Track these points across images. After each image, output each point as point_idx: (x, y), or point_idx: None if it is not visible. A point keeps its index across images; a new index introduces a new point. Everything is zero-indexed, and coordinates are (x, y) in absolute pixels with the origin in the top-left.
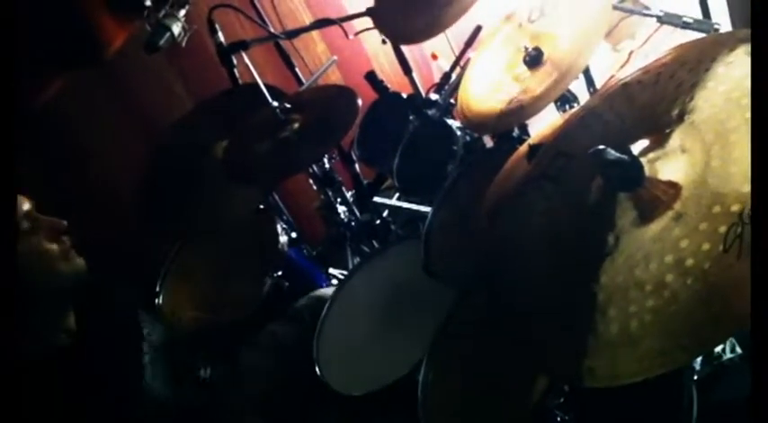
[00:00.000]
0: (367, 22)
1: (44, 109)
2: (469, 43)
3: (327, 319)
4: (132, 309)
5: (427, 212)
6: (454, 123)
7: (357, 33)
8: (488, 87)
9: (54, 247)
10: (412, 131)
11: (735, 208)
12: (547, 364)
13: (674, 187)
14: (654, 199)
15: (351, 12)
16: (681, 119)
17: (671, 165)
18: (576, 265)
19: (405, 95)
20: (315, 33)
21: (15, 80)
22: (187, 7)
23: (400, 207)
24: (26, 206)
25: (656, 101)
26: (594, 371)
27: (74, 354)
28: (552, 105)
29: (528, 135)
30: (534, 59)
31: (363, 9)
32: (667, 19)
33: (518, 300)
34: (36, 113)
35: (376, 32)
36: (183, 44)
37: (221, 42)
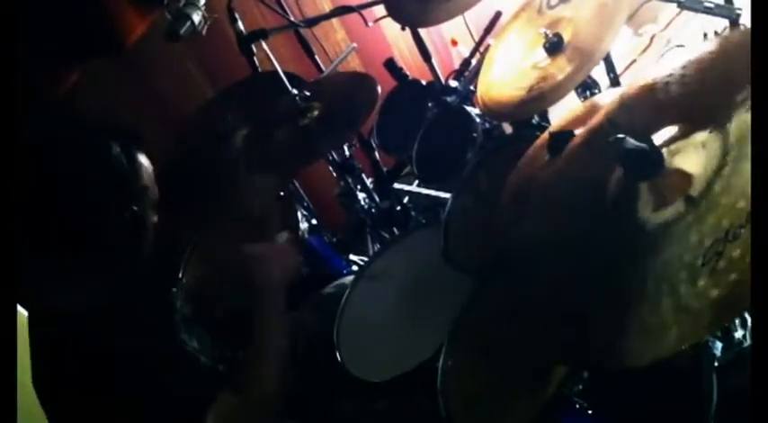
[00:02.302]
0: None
1: (64, 99)
2: (489, 29)
3: (348, 306)
4: (163, 283)
5: (447, 199)
6: (474, 110)
7: (376, 20)
8: (508, 74)
9: None
10: (431, 118)
11: (724, 223)
12: (571, 349)
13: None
14: (670, 187)
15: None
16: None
17: (688, 156)
18: (602, 249)
19: (424, 82)
20: (334, 21)
21: (36, 72)
22: None
23: (420, 193)
24: None
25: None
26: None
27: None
28: (573, 92)
29: (548, 122)
30: (554, 46)
31: None
32: (689, 4)
33: (543, 285)
34: (56, 104)
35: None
36: (204, 33)
37: (241, 31)
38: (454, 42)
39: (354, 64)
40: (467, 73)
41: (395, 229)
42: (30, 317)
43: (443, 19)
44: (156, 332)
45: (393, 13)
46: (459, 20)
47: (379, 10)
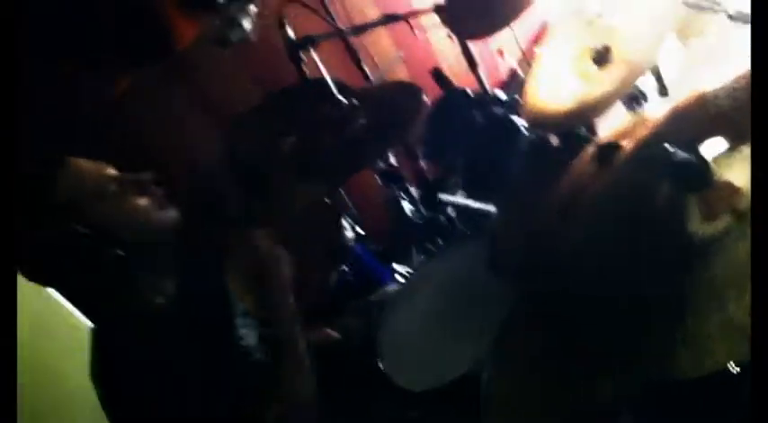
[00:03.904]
0: (433, 17)
1: (114, 103)
2: (536, 40)
3: (391, 314)
4: (220, 278)
5: (492, 210)
6: (520, 121)
7: (423, 29)
8: (555, 84)
9: (145, 200)
10: (477, 129)
11: None
12: (619, 361)
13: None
14: (718, 200)
15: (417, 7)
16: None
17: (736, 169)
18: (650, 261)
19: (470, 92)
20: (382, 29)
21: (88, 76)
22: (258, 3)
23: (465, 205)
24: (110, 171)
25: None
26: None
27: (170, 316)
28: (620, 103)
29: (595, 133)
30: (602, 56)
31: (430, 5)
32: (737, 16)
33: (590, 297)
34: (107, 108)
35: (442, 28)
36: (253, 39)
37: (290, 37)
38: (501, 53)
39: (401, 73)
40: (513, 83)
41: (439, 240)
42: (96, 318)
43: (496, 29)
44: (217, 330)
45: (448, 22)
46: (506, 30)
47: (427, 19)
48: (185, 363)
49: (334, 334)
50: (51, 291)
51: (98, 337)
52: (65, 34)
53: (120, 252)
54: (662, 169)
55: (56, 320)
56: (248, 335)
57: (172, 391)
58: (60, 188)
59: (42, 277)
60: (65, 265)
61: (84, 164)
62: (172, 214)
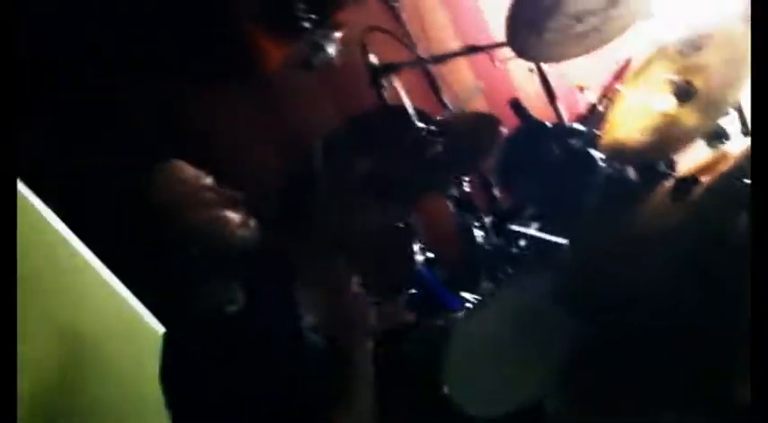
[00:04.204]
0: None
1: (197, 118)
2: (618, 76)
3: (458, 340)
4: (289, 291)
5: (563, 243)
6: (597, 154)
7: (503, 61)
8: (636, 118)
9: (234, 215)
10: (553, 160)
11: None
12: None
13: None
14: None
15: (499, 40)
16: None
17: None
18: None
19: (549, 124)
20: (462, 60)
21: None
22: (342, 29)
23: (537, 236)
24: (208, 180)
25: None
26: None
27: (237, 324)
28: (702, 141)
29: (674, 169)
30: (684, 92)
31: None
32: None
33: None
34: (189, 122)
35: (522, 61)
36: (336, 64)
37: (372, 63)
38: (581, 88)
39: (480, 104)
40: (592, 117)
41: (508, 269)
42: (169, 323)
43: (571, 55)
44: (283, 342)
45: (520, 50)
46: (587, 67)
47: (508, 51)
48: (251, 372)
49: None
50: (125, 293)
51: (169, 341)
52: (162, 50)
53: (199, 258)
54: (740, 204)
55: (127, 323)
56: (314, 348)
57: (236, 399)
58: (160, 186)
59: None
60: (148, 263)
61: (187, 169)
62: (253, 233)
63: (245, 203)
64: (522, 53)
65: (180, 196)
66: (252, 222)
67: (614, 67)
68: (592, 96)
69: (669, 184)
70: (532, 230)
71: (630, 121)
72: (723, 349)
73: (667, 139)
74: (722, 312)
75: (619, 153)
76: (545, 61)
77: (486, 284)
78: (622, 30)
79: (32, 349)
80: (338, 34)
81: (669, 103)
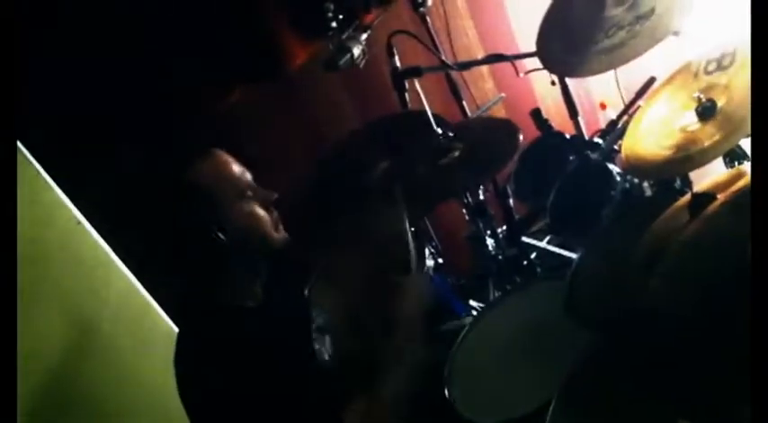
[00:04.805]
0: (538, 62)
1: (222, 114)
2: (641, 94)
3: (461, 347)
4: (303, 294)
5: (573, 258)
6: (615, 168)
7: (527, 72)
8: (656, 133)
9: (266, 215)
10: (570, 171)
11: None
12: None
13: None
14: None
15: (524, 51)
16: None
17: None
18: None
19: (568, 136)
20: (485, 70)
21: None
22: (369, 32)
23: (548, 250)
24: (249, 176)
25: None
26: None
27: (255, 318)
28: (719, 160)
29: (689, 187)
30: (706, 111)
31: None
32: None
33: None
34: (215, 118)
35: (545, 74)
36: (361, 66)
37: (396, 66)
38: (603, 106)
39: (500, 114)
40: (612, 132)
41: (517, 279)
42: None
43: (597, 71)
44: (295, 340)
45: (547, 62)
46: (610, 84)
47: (531, 62)
48: (263, 368)
49: None
50: (140, 288)
51: (185, 336)
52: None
53: (229, 250)
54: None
55: (138, 314)
56: (323, 347)
57: (247, 393)
58: (202, 174)
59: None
60: (176, 249)
61: (231, 162)
62: (282, 235)
63: (277, 204)
64: (548, 65)
65: (223, 187)
66: (279, 224)
67: (638, 86)
68: (613, 114)
69: (685, 199)
70: (544, 244)
71: (650, 137)
72: (732, 369)
73: (686, 157)
74: (733, 332)
75: (637, 168)
76: (571, 75)
77: (493, 293)
78: (648, 47)
79: (40, 332)
80: (365, 36)
81: (690, 121)
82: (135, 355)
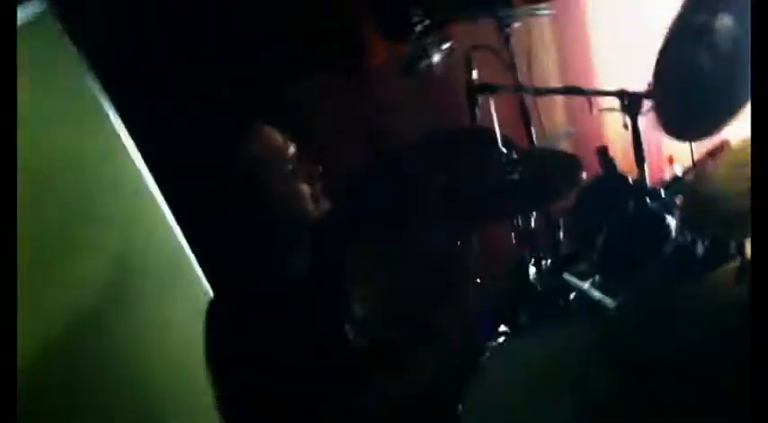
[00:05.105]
0: (614, 102)
1: (296, 98)
2: (711, 155)
3: (484, 369)
4: (342, 271)
5: (609, 305)
6: (672, 221)
7: (601, 110)
8: (719, 196)
9: (307, 188)
10: (626, 216)
11: None
12: None
13: None
14: None
15: (602, 88)
16: None
17: None
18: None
19: (630, 180)
20: (559, 102)
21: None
22: (451, 43)
23: (587, 292)
24: (291, 150)
25: None
26: None
27: (289, 291)
28: None
29: (743, 254)
30: None
31: (616, 88)
32: None
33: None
34: (289, 100)
35: (618, 115)
36: (437, 73)
37: (473, 80)
38: (671, 160)
39: (566, 147)
40: (675, 185)
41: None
42: (215, 294)
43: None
44: (328, 318)
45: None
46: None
47: (608, 102)
48: (293, 342)
49: None
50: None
51: (219, 301)
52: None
53: (266, 222)
54: None
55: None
56: (353, 331)
57: (276, 364)
58: (249, 145)
59: None
60: (217, 216)
61: (275, 136)
62: (323, 208)
63: (322, 179)
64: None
65: (265, 159)
66: (324, 202)
67: (709, 146)
68: (679, 169)
69: (735, 264)
70: (585, 285)
71: (714, 197)
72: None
73: (745, 224)
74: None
75: (695, 225)
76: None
77: (525, 322)
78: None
79: (77, 269)
80: (446, 45)
81: None
82: (162, 303)
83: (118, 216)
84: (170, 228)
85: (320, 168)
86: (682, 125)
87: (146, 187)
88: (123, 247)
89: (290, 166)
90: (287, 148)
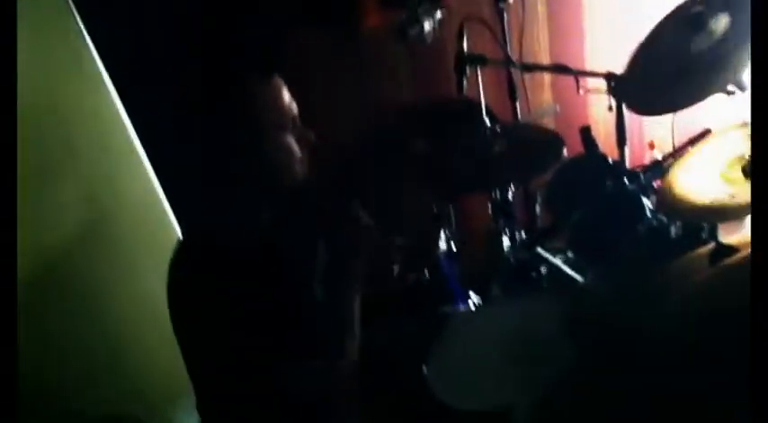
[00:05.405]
0: (601, 84)
1: (289, 55)
2: (692, 142)
3: (452, 332)
4: (313, 234)
5: (582, 283)
6: (648, 204)
7: (587, 91)
8: (697, 180)
9: (299, 152)
10: (604, 195)
11: None
12: None
13: None
14: None
15: (591, 69)
16: None
17: None
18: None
19: (611, 161)
20: (546, 81)
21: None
22: (444, 11)
23: (558, 267)
24: (295, 109)
25: None
26: None
27: (258, 243)
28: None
29: (715, 237)
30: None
31: (604, 70)
32: None
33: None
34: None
35: (604, 98)
36: (428, 42)
37: (463, 50)
38: (652, 145)
39: (550, 125)
40: (654, 170)
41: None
42: (185, 238)
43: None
44: (294, 272)
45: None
46: (664, 127)
47: (594, 83)
48: (257, 291)
49: None
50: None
51: (186, 246)
52: None
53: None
54: None
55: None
56: (319, 288)
57: (235, 312)
58: (255, 93)
59: None
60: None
61: (285, 90)
62: (305, 175)
63: (312, 146)
64: (623, 99)
65: (269, 106)
66: (311, 168)
67: (691, 134)
68: (659, 155)
69: (709, 248)
70: (557, 261)
71: (692, 181)
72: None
73: (721, 209)
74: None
75: (670, 208)
76: (643, 112)
77: (496, 292)
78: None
79: (57, 205)
80: (439, 14)
81: (735, 175)
82: (140, 253)
83: (92, 152)
84: (144, 166)
85: (313, 136)
86: (642, 100)
87: (121, 119)
88: (97, 187)
89: (291, 124)
90: (291, 106)
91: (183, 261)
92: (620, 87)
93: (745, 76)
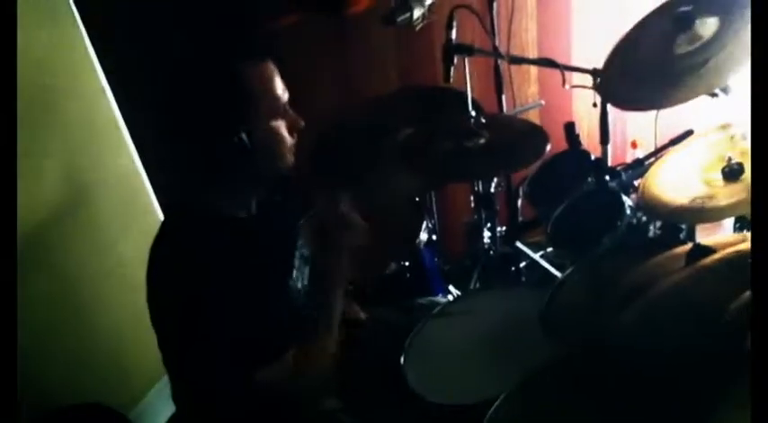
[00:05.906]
0: (587, 80)
1: (275, 33)
2: (674, 142)
3: (431, 323)
4: (296, 220)
5: (558, 278)
6: (627, 201)
7: (573, 86)
8: (678, 181)
9: (289, 138)
10: (585, 191)
11: None
12: None
13: None
14: None
15: (577, 65)
16: None
17: None
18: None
19: (593, 157)
20: (532, 74)
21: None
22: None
23: (537, 262)
24: (287, 96)
25: None
26: None
27: (243, 230)
28: (730, 222)
29: (693, 239)
30: (733, 173)
31: (591, 67)
32: None
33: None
34: (266, 34)
35: (590, 94)
36: (417, 29)
37: (451, 39)
38: (634, 144)
39: (534, 119)
40: (635, 169)
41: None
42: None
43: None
44: (276, 261)
45: (604, 89)
46: (647, 128)
47: (580, 79)
48: (237, 279)
49: (361, 315)
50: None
51: (168, 233)
52: None
53: (243, 158)
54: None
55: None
56: (302, 280)
57: (216, 302)
58: (250, 77)
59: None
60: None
61: (277, 76)
62: (292, 162)
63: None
64: (602, 90)
65: (263, 96)
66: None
67: (673, 135)
68: (640, 154)
69: (686, 248)
70: (536, 256)
71: (672, 181)
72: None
73: (700, 209)
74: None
75: (650, 206)
76: (620, 106)
77: (474, 285)
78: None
79: (38, 180)
80: (429, 1)
81: (714, 177)
82: (119, 232)
83: (76, 126)
84: (127, 145)
85: (302, 123)
86: (621, 94)
87: (109, 98)
88: (81, 160)
89: (280, 108)
90: (283, 93)
91: (166, 241)
92: (602, 80)
93: (732, 81)
